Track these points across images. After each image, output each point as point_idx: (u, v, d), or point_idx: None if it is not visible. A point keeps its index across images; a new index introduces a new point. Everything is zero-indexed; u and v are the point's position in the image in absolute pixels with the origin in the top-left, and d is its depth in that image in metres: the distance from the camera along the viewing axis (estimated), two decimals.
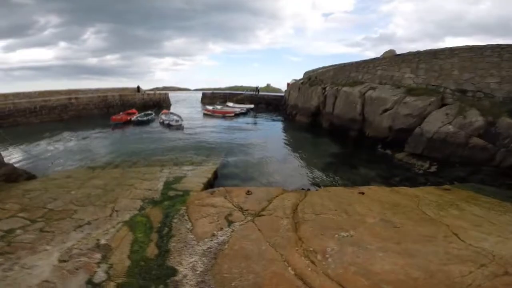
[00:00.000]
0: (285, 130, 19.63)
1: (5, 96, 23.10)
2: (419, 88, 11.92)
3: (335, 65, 20.96)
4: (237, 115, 25.38)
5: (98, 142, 14.55)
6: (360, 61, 17.12)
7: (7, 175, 6.51)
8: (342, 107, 15.75)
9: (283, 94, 35.75)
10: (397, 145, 11.21)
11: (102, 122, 20.17)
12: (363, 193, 5.59)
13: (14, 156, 11.80)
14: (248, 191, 5.27)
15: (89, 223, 4.10)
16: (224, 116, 24.54)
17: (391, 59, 14.39)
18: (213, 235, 3.52)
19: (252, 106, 31.33)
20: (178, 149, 12.40)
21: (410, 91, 11.93)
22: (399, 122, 11.48)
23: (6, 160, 9.23)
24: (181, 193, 5.56)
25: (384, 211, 4.45)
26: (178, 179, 6.66)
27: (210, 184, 6.92)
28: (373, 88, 14.02)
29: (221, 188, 5.30)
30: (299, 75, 33.21)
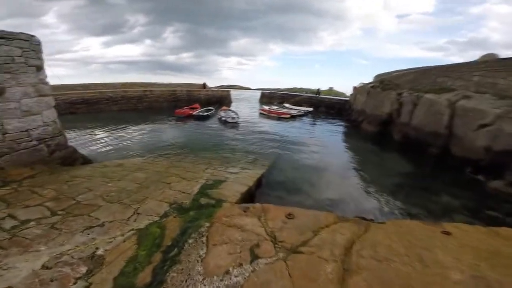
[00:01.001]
0: (347, 138, 17.42)
1: (95, 85, 26.96)
2: None
3: (416, 68, 17.88)
4: (293, 117, 24.03)
5: (160, 133, 15.34)
6: (451, 64, 14.11)
7: (64, 158, 6.84)
8: (422, 117, 13.08)
9: (347, 99, 32.85)
10: (494, 171, 8.75)
11: (168, 114, 21.50)
12: (448, 233, 3.89)
13: (82, 138, 13.16)
14: (290, 214, 4.18)
15: (102, 225, 3.67)
16: (279, 117, 23.54)
17: (495, 63, 11.36)
18: (227, 272, 2.59)
19: (311, 109, 29.45)
20: (229, 147, 12.00)
21: None
22: (501, 142, 8.88)
23: (75, 143, 10.17)
24: (213, 202, 4.82)
25: (478, 262, 2.85)
26: (217, 183, 5.99)
27: (250, 194, 6.05)
28: (467, 97, 11.19)
29: (257, 205, 4.33)
30: (367, 79, 29.90)
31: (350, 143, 15.70)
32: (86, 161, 8.08)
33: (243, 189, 5.69)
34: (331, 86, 54.67)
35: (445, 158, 10.97)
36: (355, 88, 28.95)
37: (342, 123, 23.41)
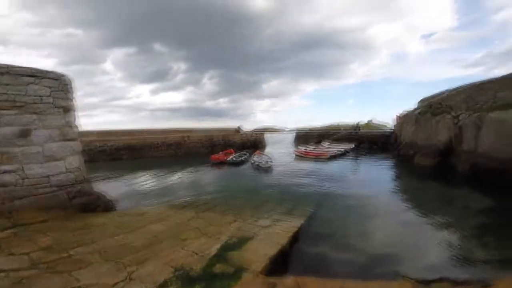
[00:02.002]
0: (399, 176, 15.00)
1: (140, 132, 29.13)
2: None
3: (467, 85, 15.60)
4: (333, 156, 22.16)
5: (194, 179, 15.00)
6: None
7: (85, 204, 6.42)
8: (492, 141, 10.77)
9: (390, 130, 30.21)
10: None
11: (205, 160, 21.59)
12: None
13: (118, 183, 13.28)
14: None
15: None
16: (317, 158, 21.92)
17: None
18: None
19: (352, 146, 27.31)
20: (261, 194, 10.87)
21: None
22: None
23: (109, 187, 10.09)
24: (231, 271, 3.66)
25: None
26: (241, 242, 4.84)
27: (284, 255, 4.72)
28: None
29: (289, 280, 3.08)
30: (407, 106, 27.44)
31: (404, 182, 13.30)
32: (109, 207, 7.63)
33: (273, 250, 4.41)
34: (369, 119, 51.55)
35: None
36: (398, 117, 26.58)
37: (390, 159, 20.85)
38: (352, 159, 22.27)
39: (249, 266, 3.77)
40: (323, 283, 2.95)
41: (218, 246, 4.60)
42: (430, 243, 5.98)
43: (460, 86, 16.43)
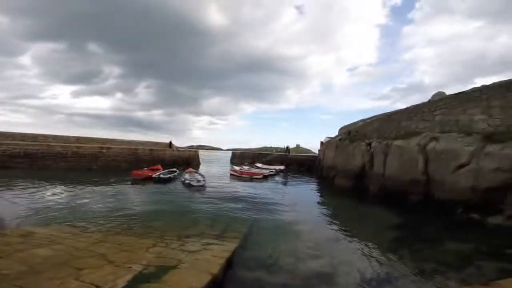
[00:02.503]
0: (323, 196, 16.16)
1: (45, 137, 24.00)
2: (500, 132, 8.97)
3: (379, 115, 18.29)
4: (265, 177, 22.74)
5: (109, 197, 12.51)
6: (411, 106, 14.65)
7: None
8: (396, 166, 12.49)
9: (315, 155, 33.10)
10: (487, 207, 8.18)
11: (126, 176, 18.80)
12: None
13: (4, 198, 10.18)
14: None
15: None
16: (251, 178, 22.05)
17: (452, 99, 11.58)
18: None
19: (282, 167, 28.88)
20: (191, 215, 9.75)
21: (488, 138, 9.00)
22: (485, 180, 8.39)
23: None
24: None
25: None
26: (161, 272, 3.84)
27: (217, 283, 3.92)
28: (436, 139, 11.03)
29: None
30: (331, 133, 30.89)
31: (327, 201, 14.40)
32: None
33: (202, 282, 3.58)
34: (298, 143, 55.62)
35: (428, 204, 10.18)
36: (322, 143, 29.21)
37: (315, 180, 22.61)
38: (282, 179, 23.29)
39: None
40: None
41: (128, 277, 3.51)
42: (354, 259, 6.17)
43: (374, 116, 19.17)
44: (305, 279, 4.97)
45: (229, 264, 4.92)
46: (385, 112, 18.04)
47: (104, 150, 24.83)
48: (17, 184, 13.21)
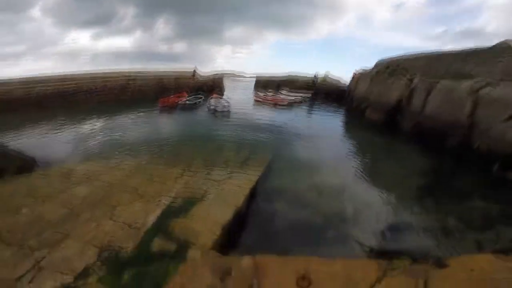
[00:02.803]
0: (351, 129, 15.39)
1: (73, 76, 24.45)
2: None
3: (427, 52, 15.92)
4: (291, 104, 21.85)
5: (138, 127, 13.15)
6: (469, 49, 12.42)
7: None
8: (438, 105, 11.29)
9: (345, 85, 30.87)
10: None
11: (153, 105, 19.26)
12: None
13: (43, 138, 11.05)
14: (303, 278, 2.33)
15: None
16: (275, 104, 21.35)
17: None
18: None
19: (309, 94, 27.24)
20: (216, 142, 9.99)
21: None
22: None
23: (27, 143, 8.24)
24: (173, 248, 2.91)
25: None
26: (188, 205, 4.05)
27: (240, 217, 4.11)
28: (492, 85, 9.47)
29: (246, 261, 2.43)
30: (364, 65, 27.98)
31: (355, 135, 13.63)
32: (24, 168, 6.06)
33: (227, 216, 3.73)
34: (326, 72, 51.49)
35: (465, 152, 9.26)
36: (355, 74, 26.78)
37: (343, 111, 21.41)
38: (308, 107, 22.28)
39: (196, 240, 3.06)
40: (284, 262, 2.39)
41: (158, 212, 3.76)
42: (377, 202, 5.94)
43: (420, 53, 16.60)
44: (326, 216, 4.97)
45: (252, 194, 5.09)
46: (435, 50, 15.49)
47: (131, 82, 25.05)
48: (54, 123, 14.11)
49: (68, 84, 22.58)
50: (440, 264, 2.75)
